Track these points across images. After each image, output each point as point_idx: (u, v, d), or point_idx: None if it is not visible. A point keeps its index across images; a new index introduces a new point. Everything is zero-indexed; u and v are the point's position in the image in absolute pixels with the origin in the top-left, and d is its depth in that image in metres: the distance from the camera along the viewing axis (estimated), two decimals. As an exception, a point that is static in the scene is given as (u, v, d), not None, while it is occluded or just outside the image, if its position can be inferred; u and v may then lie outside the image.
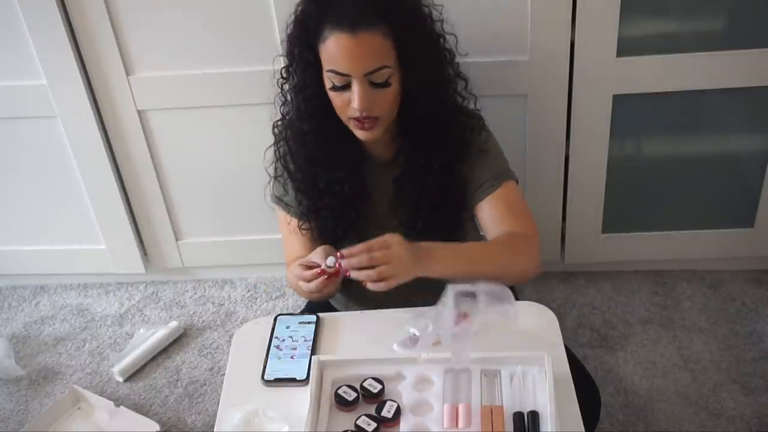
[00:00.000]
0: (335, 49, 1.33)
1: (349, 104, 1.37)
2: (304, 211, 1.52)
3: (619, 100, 1.91)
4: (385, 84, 1.35)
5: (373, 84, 1.35)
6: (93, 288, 2.40)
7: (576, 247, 2.17)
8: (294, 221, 1.54)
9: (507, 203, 1.49)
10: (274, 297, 2.30)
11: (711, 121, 1.99)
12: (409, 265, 1.29)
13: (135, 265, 2.30)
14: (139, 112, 2.01)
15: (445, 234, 1.45)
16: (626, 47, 1.83)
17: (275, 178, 1.56)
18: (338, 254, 1.30)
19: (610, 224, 2.13)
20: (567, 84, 1.89)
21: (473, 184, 1.49)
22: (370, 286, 1.29)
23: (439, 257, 1.35)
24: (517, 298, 1.68)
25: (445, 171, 1.47)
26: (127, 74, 1.95)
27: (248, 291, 2.33)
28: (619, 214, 2.12)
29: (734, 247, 2.14)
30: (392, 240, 1.29)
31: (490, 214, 1.48)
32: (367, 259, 1.27)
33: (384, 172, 1.51)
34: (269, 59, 1.89)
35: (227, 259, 2.31)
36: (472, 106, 1.52)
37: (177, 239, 2.26)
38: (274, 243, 2.20)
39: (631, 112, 1.94)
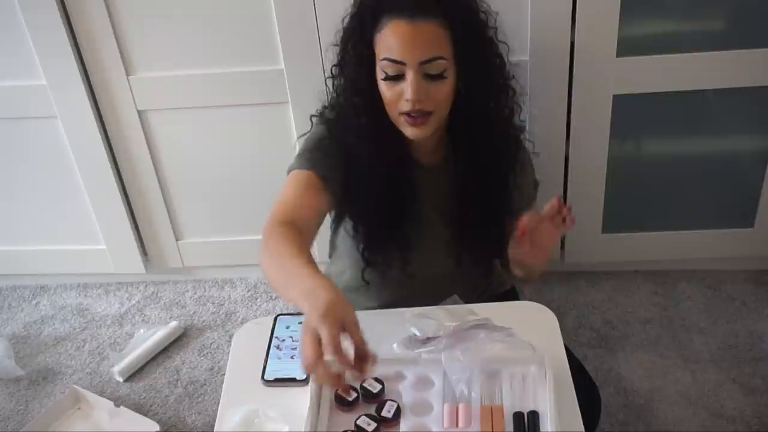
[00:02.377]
0: (392, 36, 1.30)
1: (401, 97, 1.32)
2: (351, 213, 1.48)
3: (619, 100, 1.91)
4: (440, 77, 1.32)
5: (427, 76, 1.31)
6: (93, 288, 2.40)
7: (576, 247, 2.17)
8: (318, 181, 1.36)
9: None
10: (274, 297, 2.30)
11: (711, 121, 1.99)
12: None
13: (135, 265, 2.30)
14: (139, 112, 2.02)
15: (491, 239, 1.48)
16: (626, 47, 1.83)
17: (321, 156, 1.39)
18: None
19: (610, 224, 2.13)
20: (567, 84, 1.89)
21: (521, 195, 1.50)
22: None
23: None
24: (517, 298, 1.70)
25: (500, 180, 1.46)
26: (127, 74, 1.95)
27: (248, 291, 2.33)
28: (619, 214, 2.12)
29: (734, 247, 2.15)
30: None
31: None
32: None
33: (431, 177, 1.48)
34: (269, 59, 1.90)
35: (227, 259, 2.31)
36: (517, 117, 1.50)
37: (177, 239, 2.26)
38: (274, 243, 2.20)
39: (631, 112, 1.94)
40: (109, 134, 2.07)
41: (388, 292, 1.58)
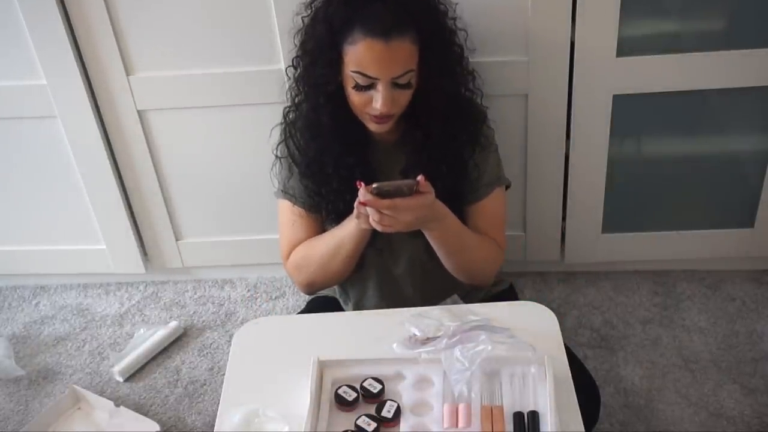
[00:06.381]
0: (367, 54, 1.35)
1: (369, 103, 1.40)
2: (311, 194, 1.54)
3: (619, 100, 1.91)
4: (408, 85, 1.40)
5: (396, 85, 1.38)
6: (93, 288, 2.40)
7: (576, 247, 2.17)
8: (301, 209, 1.57)
9: (492, 213, 1.56)
10: (274, 297, 2.30)
11: (711, 121, 1.99)
12: (411, 226, 1.36)
13: (135, 265, 2.30)
14: (139, 112, 2.01)
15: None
16: (626, 47, 1.83)
17: (279, 158, 1.57)
18: (361, 185, 1.33)
19: (610, 224, 2.13)
20: (567, 84, 1.89)
21: (470, 183, 1.51)
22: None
23: (447, 228, 1.44)
24: (516, 298, 1.70)
25: (456, 158, 1.50)
26: (127, 74, 1.95)
27: (248, 291, 2.33)
28: (619, 214, 2.12)
29: (734, 247, 2.14)
30: (412, 207, 1.33)
31: (474, 220, 1.55)
32: (376, 215, 1.32)
33: (389, 153, 1.53)
34: (269, 59, 1.90)
35: (227, 259, 2.31)
36: (478, 101, 1.57)
37: (177, 239, 2.26)
38: (274, 243, 2.19)
39: (631, 112, 1.94)
40: (109, 134, 2.07)
41: (371, 274, 1.61)
